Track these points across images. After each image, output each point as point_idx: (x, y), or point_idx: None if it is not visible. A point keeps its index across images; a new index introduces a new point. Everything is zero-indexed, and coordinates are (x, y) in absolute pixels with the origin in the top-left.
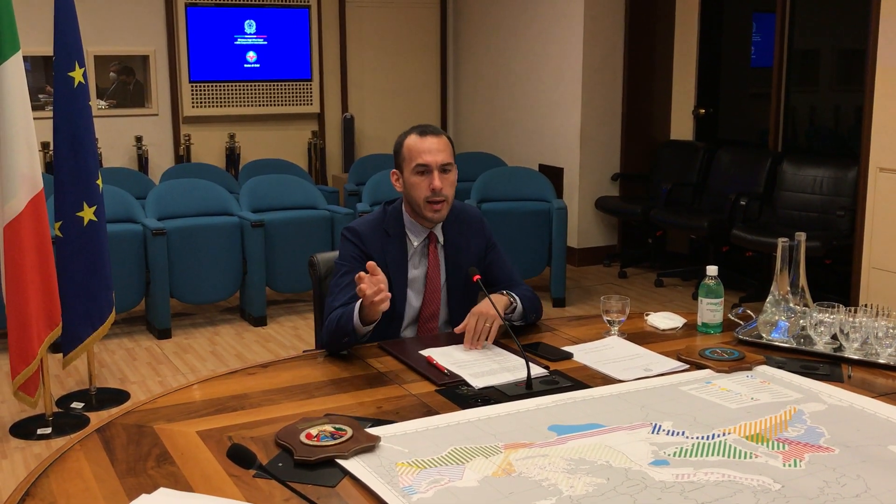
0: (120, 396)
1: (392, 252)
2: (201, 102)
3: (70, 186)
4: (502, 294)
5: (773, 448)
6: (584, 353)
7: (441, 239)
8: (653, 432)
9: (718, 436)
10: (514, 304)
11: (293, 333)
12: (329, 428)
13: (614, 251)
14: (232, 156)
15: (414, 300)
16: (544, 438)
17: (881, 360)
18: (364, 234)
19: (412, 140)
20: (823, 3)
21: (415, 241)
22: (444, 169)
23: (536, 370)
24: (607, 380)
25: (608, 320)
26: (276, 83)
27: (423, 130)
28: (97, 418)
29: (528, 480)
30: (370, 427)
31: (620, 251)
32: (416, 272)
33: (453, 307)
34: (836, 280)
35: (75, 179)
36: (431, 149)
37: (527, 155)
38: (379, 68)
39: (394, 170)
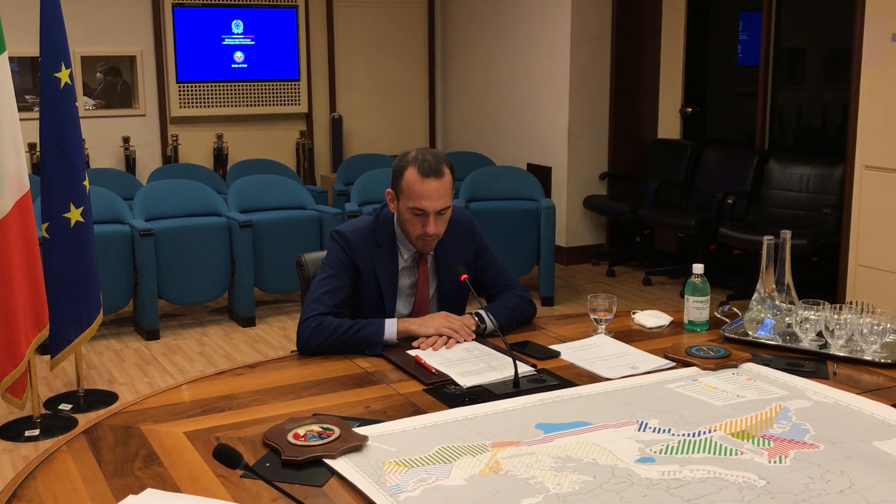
0: (108, 398)
1: (382, 262)
2: (189, 103)
3: (57, 187)
4: (472, 316)
5: (758, 445)
6: (572, 352)
7: (432, 251)
8: (639, 430)
9: (704, 433)
10: (483, 326)
11: (282, 334)
12: (316, 428)
13: (602, 250)
14: (220, 156)
15: (403, 310)
16: (531, 437)
17: (866, 357)
18: (353, 242)
19: (412, 177)
20: (810, 1)
21: (406, 254)
22: (440, 213)
23: (524, 369)
24: (594, 378)
25: (595, 319)
26: (263, 83)
27: (426, 170)
28: (85, 420)
29: (515, 479)
30: (358, 427)
31: (608, 250)
32: (405, 282)
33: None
34: (823, 277)
35: (62, 180)
36: (431, 195)
37: (515, 154)
38: (367, 68)
39: (389, 189)
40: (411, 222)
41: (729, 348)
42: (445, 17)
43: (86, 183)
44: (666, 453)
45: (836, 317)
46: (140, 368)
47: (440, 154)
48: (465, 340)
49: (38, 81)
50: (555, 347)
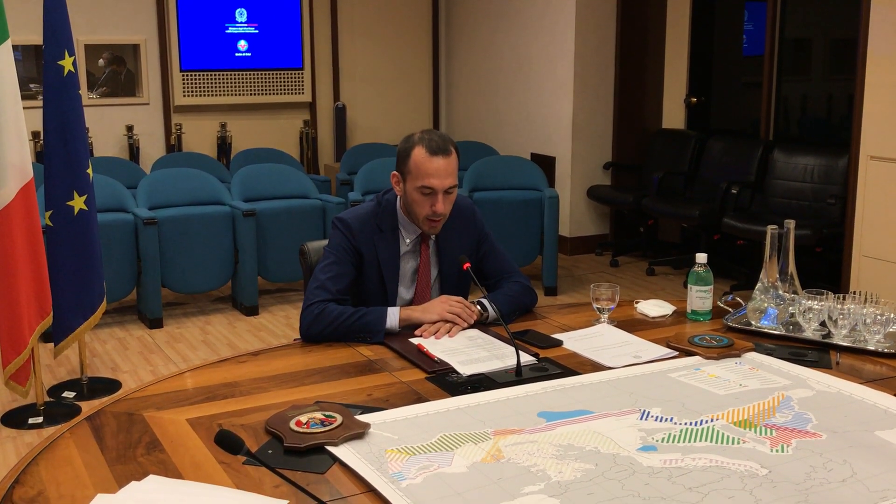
0: (111, 386)
1: (384, 248)
2: (192, 91)
3: (60, 176)
4: (474, 305)
5: (760, 434)
6: (574, 341)
7: (433, 235)
8: (641, 418)
9: (706, 422)
10: (486, 315)
11: (285, 322)
12: (319, 415)
13: (606, 240)
14: (223, 145)
15: (405, 294)
16: (533, 425)
17: (869, 347)
18: (355, 228)
19: (420, 156)
20: None
21: (407, 238)
22: (447, 191)
23: (526, 357)
24: (597, 367)
25: (598, 308)
26: (267, 72)
27: (434, 148)
28: (89, 407)
29: (516, 466)
30: (360, 414)
31: (612, 240)
32: (407, 267)
33: None
34: (826, 268)
35: (65, 168)
36: (439, 172)
37: (519, 144)
38: (371, 57)
39: (395, 172)
40: (419, 202)
41: (732, 338)
42: (449, 6)
43: (89, 171)
44: (668, 442)
45: (839, 307)
46: (143, 356)
47: (445, 134)
48: (468, 324)
49: (42, 69)
50: (557, 336)
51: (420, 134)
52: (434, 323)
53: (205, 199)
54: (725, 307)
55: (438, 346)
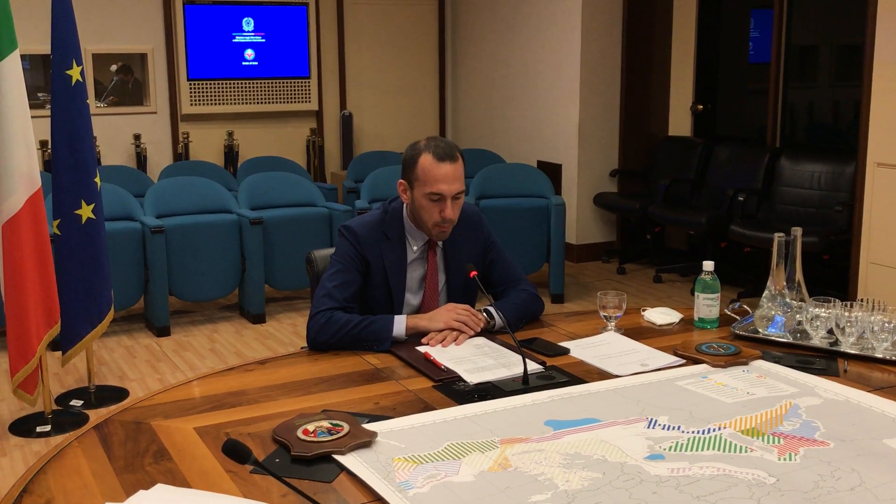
0: (119, 394)
1: (391, 255)
2: (199, 100)
3: (68, 184)
4: (481, 313)
5: (768, 442)
6: (581, 349)
7: (440, 243)
8: (649, 427)
9: (714, 430)
10: (492, 323)
11: (292, 330)
12: (326, 424)
13: (613, 247)
14: (230, 153)
15: (413, 301)
16: (540, 433)
17: (877, 355)
18: (362, 236)
19: (428, 162)
20: None
21: (414, 246)
22: (455, 197)
23: (533, 366)
24: (604, 375)
25: (605, 316)
26: (274, 81)
27: (440, 154)
28: (96, 416)
29: (524, 475)
30: (367, 423)
31: (619, 247)
32: (415, 275)
33: None
34: (834, 275)
35: (73, 177)
36: (447, 177)
37: (525, 151)
38: (377, 65)
39: (401, 180)
40: (428, 209)
41: (739, 345)
42: (456, 14)
43: (97, 180)
44: (675, 450)
45: (846, 314)
46: (151, 365)
47: (450, 140)
48: (474, 332)
49: (50, 79)
50: (564, 344)
51: (426, 141)
52: (441, 331)
53: (212, 207)
54: (732, 315)
55: (445, 355)
